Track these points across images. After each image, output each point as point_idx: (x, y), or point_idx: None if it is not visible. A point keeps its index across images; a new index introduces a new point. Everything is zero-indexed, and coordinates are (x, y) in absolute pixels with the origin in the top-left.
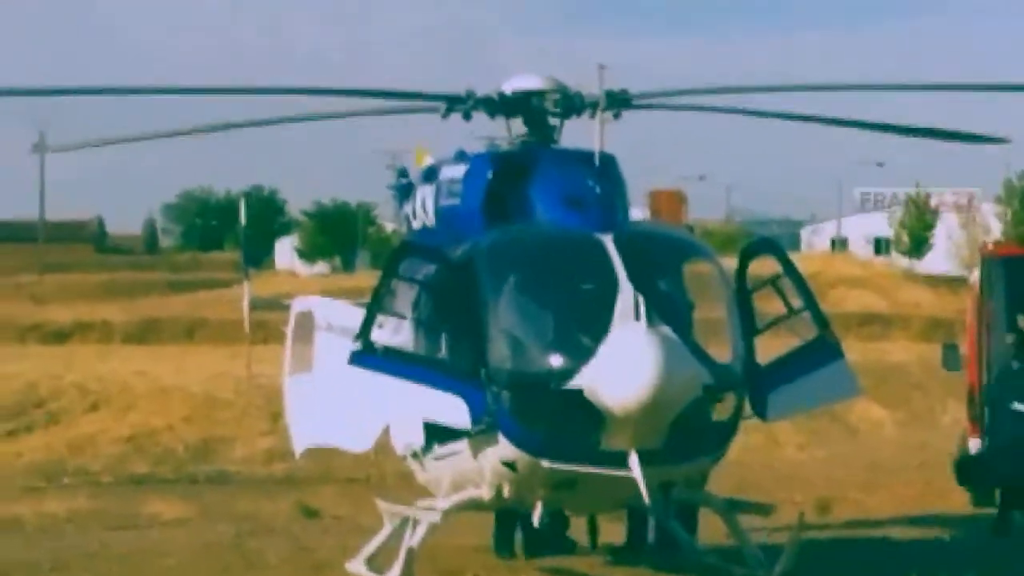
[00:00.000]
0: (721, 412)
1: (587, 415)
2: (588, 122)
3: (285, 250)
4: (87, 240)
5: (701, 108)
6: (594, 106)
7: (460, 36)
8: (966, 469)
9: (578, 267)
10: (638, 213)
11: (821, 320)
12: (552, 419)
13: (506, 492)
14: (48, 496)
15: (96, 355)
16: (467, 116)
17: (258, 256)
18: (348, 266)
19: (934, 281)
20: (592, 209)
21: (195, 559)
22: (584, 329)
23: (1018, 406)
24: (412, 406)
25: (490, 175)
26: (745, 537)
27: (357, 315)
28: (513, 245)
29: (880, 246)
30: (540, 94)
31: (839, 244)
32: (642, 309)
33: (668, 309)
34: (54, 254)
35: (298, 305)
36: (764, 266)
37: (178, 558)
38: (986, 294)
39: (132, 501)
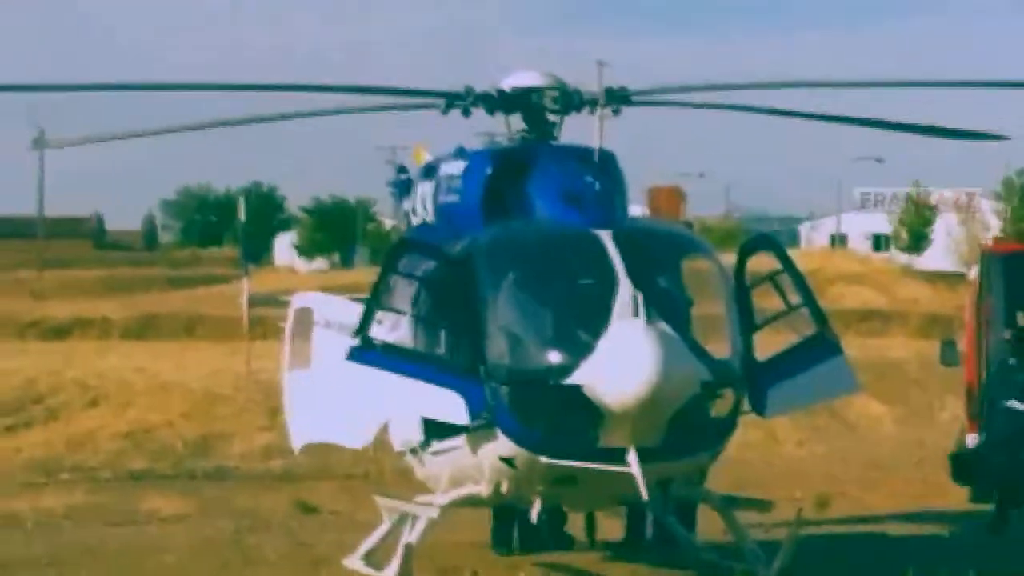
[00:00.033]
0: (719, 408)
1: (586, 411)
2: (587, 118)
3: (284, 246)
4: (86, 236)
5: (700, 105)
6: (593, 103)
7: (460, 36)
8: (960, 465)
9: (577, 263)
10: (637, 210)
11: (820, 316)
12: (551, 415)
13: (504, 488)
14: (47, 492)
15: (95, 351)
16: (466, 113)
17: (257, 252)
18: (347, 262)
19: (933, 277)
20: (591, 206)
21: (193, 555)
22: (583, 325)
23: (1013, 403)
24: (411, 402)
25: (489, 171)
26: (743, 533)
27: (356, 311)
28: (512, 241)
29: (879, 242)
30: (539, 91)
31: (838, 240)
32: (641, 305)
33: (667, 305)
34: (53, 250)
35: (297, 301)
36: (763, 262)
37: (177, 554)
38: (985, 290)
39: (131, 497)
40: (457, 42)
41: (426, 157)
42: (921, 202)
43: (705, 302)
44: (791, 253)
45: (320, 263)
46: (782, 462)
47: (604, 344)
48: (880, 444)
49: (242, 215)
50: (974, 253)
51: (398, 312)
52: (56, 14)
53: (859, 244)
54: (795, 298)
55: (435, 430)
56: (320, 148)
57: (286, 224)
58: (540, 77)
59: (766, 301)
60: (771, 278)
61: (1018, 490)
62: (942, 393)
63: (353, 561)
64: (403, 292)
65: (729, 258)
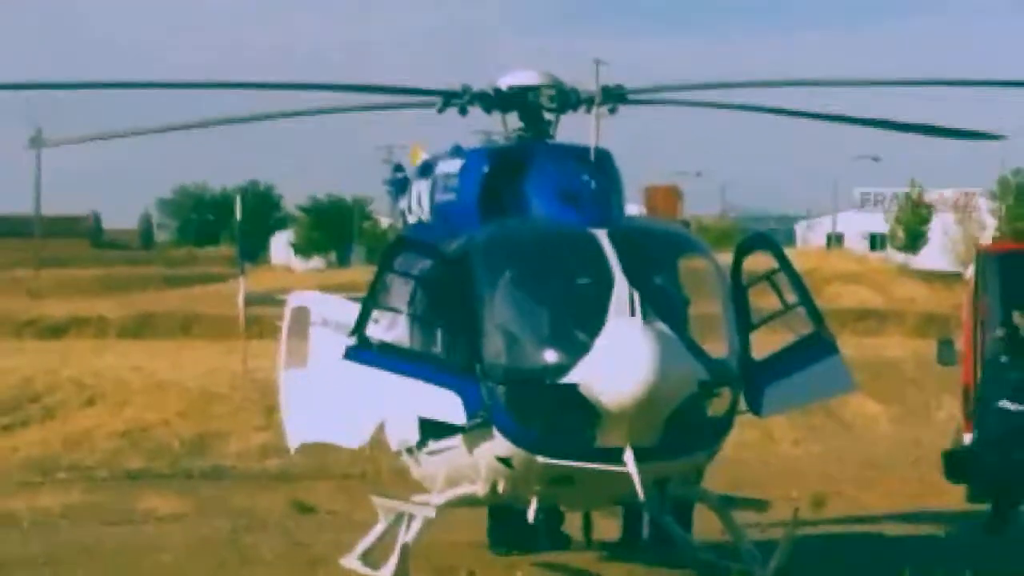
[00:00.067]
0: (716, 408)
1: (582, 411)
2: (584, 117)
3: (280, 245)
4: (83, 235)
5: (697, 104)
6: (590, 101)
7: (460, 36)
8: (953, 462)
9: (573, 263)
10: (634, 209)
11: (816, 316)
12: (547, 415)
13: (501, 488)
14: (43, 491)
15: (92, 350)
16: (463, 111)
17: (254, 251)
18: (343, 261)
19: (929, 277)
20: (587, 205)
21: (190, 554)
22: (579, 324)
23: (1004, 403)
24: (407, 401)
25: (486, 170)
26: (740, 533)
27: (352, 310)
28: (508, 240)
29: (876, 242)
30: (536, 89)
31: (835, 240)
32: (637, 305)
33: (663, 305)
34: (50, 249)
35: (293, 300)
36: (759, 262)
37: (173, 553)
38: (981, 290)
39: (127, 496)
40: (457, 42)
41: (422, 156)
42: (918, 201)
43: (701, 301)
44: (787, 252)
45: (316, 262)
46: (778, 461)
47: (600, 343)
48: (876, 443)
49: (239, 214)
50: (970, 252)
51: (395, 311)
52: (56, 14)
53: (856, 243)
54: (791, 297)
55: (432, 429)
56: (317, 147)
57: (283, 223)
58: (537, 76)
59: (763, 300)
60: (768, 277)
61: (1010, 489)
62: (938, 392)
63: (350, 561)
64: (400, 291)
65: (726, 257)
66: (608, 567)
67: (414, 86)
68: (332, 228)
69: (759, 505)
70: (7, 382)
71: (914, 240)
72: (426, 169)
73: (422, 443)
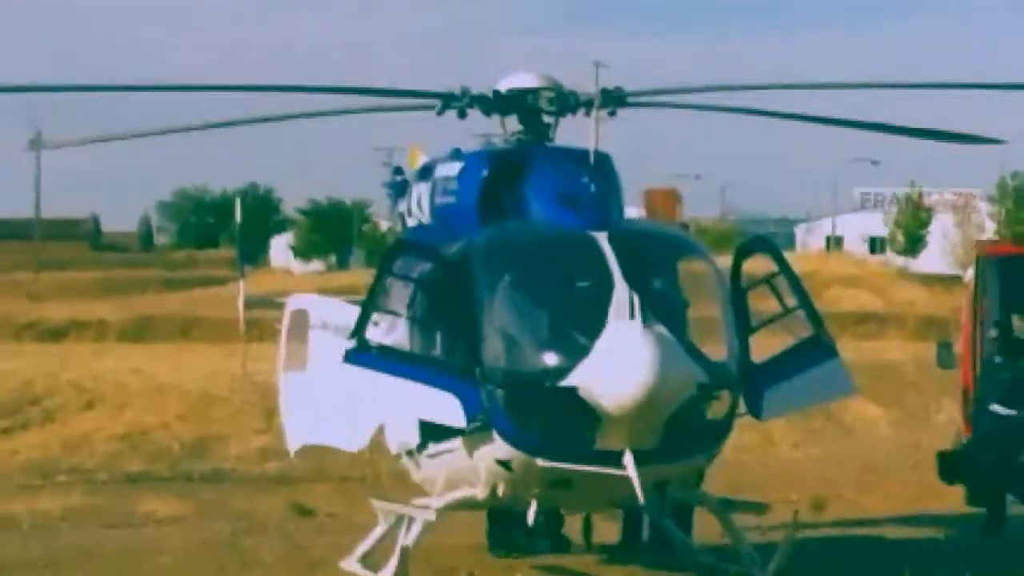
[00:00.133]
0: (715, 411)
1: (582, 414)
2: (583, 120)
3: (280, 248)
4: (83, 238)
5: (696, 107)
6: (589, 104)
7: (460, 36)
8: (947, 463)
9: (573, 265)
10: (633, 211)
11: (816, 319)
12: (547, 418)
13: (501, 491)
14: (43, 494)
15: (91, 353)
16: (462, 114)
17: (253, 254)
18: (343, 264)
19: (929, 280)
20: (587, 207)
21: (190, 557)
22: (579, 327)
23: (996, 408)
24: (407, 404)
25: (485, 173)
26: (740, 536)
27: (352, 313)
28: (508, 243)
29: (875, 245)
30: (535, 92)
31: (834, 243)
32: (637, 307)
33: (663, 307)
34: (50, 252)
35: (293, 303)
36: (759, 265)
37: (173, 556)
38: (980, 293)
39: (127, 499)
40: (457, 42)
41: (422, 159)
42: (917, 204)
43: (701, 304)
44: (787, 256)
45: (316, 265)
46: (778, 464)
47: (600, 346)
48: (876, 447)
49: (238, 216)
50: (970, 255)
51: (394, 314)
52: (56, 14)
53: (856, 246)
54: (791, 300)
55: (431, 432)
56: (317, 150)
57: (282, 226)
58: (536, 78)
59: (762, 303)
60: (767, 280)
61: (1004, 489)
62: (938, 396)
63: (349, 563)
64: (399, 294)
65: (725, 260)
66: (608, 570)
67: (413, 88)
68: (331, 231)
69: (759, 508)
70: (7, 385)
71: (913, 244)
72: (425, 172)
73: (422, 446)
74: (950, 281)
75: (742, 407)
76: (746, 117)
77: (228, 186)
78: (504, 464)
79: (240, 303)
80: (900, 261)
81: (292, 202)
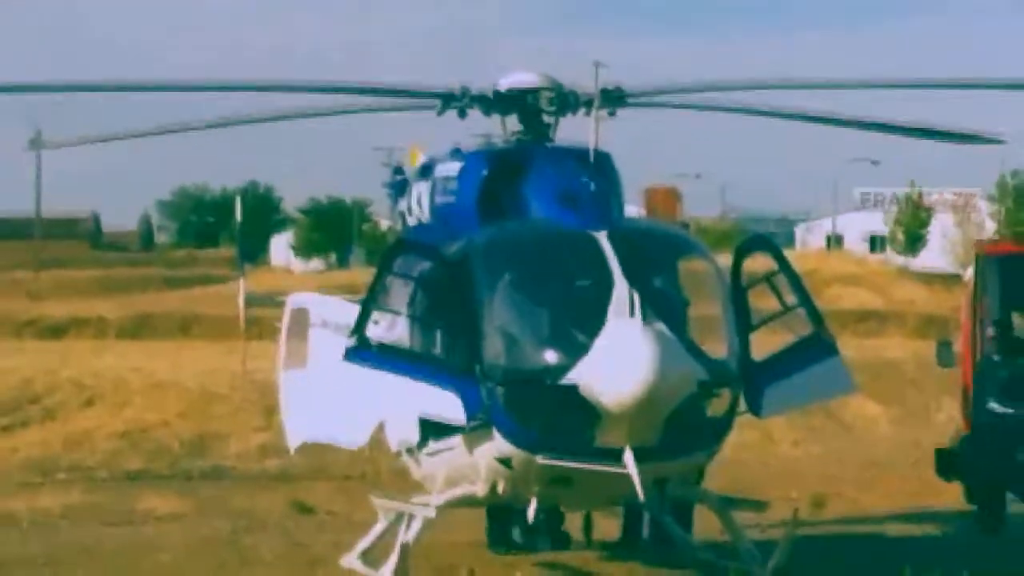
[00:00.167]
0: (715, 408)
1: (582, 411)
2: (583, 119)
3: (280, 247)
4: (83, 236)
5: (696, 106)
6: (589, 104)
7: (460, 36)
8: (944, 460)
9: (573, 264)
10: (633, 210)
11: (816, 317)
12: (547, 415)
13: (501, 488)
14: (43, 491)
15: (91, 351)
16: (462, 113)
17: (253, 252)
18: (343, 263)
19: (929, 278)
20: (587, 206)
21: (190, 555)
22: (579, 325)
23: (993, 405)
24: (407, 402)
25: (485, 172)
26: (740, 533)
27: (352, 311)
28: (508, 242)
29: (875, 243)
30: (535, 91)
31: (834, 241)
32: (637, 305)
33: (663, 305)
34: (50, 250)
35: (293, 301)
36: (759, 263)
37: (173, 554)
38: (980, 291)
39: (127, 497)
40: (457, 42)
41: (422, 158)
42: (917, 203)
43: (701, 303)
44: (787, 254)
45: (316, 263)
46: (778, 462)
47: (600, 344)
48: (876, 445)
49: (238, 215)
50: (970, 254)
51: (394, 312)
52: (56, 14)
53: (856, 245)
54: (791, 299)
55: (431, 430)
56: (317, 149)
57: (282, 224)
58: (536, 78)
59: (762, 302)
60: (767, 279)
61: (1000, 487)
62: (938, 394)
63: (349, 560)
64: (399, 293)
65: (725, 259)
66: (608, 567)
67: (413, 88)
68: (332, 230)
69: (759, 506)
70: (7, 383)
71: (913, 242)
72: (426, 171)
73: (422, 443)
74: (950, 280)
75: (742, 405)
76: (746, 117)
77: (228, 185)
78: (504, 461)
79: (240, 301)
80: (900, 260)
81: (292, 201)
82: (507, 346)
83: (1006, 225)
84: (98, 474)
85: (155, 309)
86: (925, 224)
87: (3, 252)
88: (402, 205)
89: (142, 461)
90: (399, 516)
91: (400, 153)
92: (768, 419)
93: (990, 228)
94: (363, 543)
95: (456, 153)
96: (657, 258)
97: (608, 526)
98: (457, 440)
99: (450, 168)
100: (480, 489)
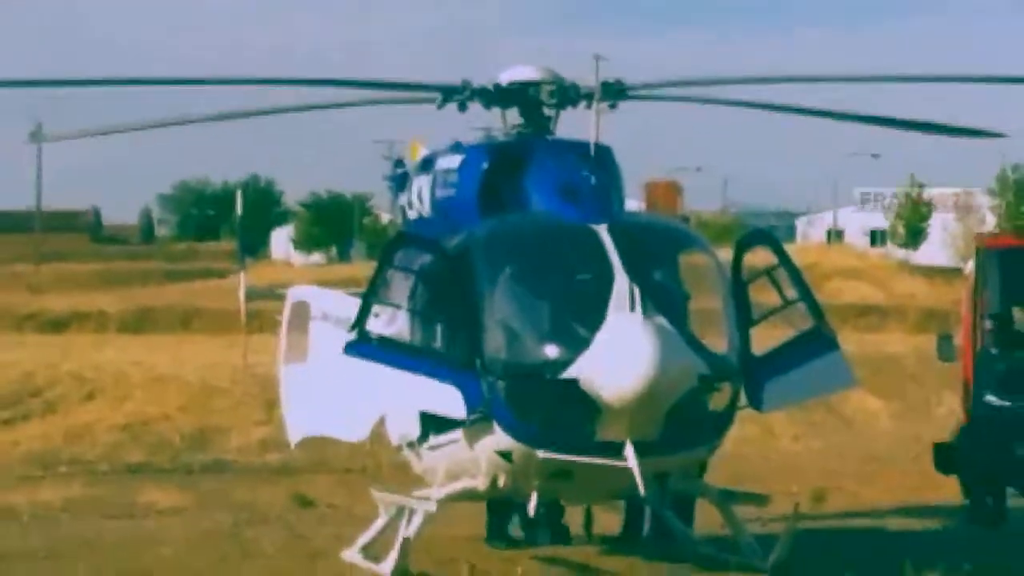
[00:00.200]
0: (716, 403)
1: (583, 405)
2: (584, 113)
3: (281, 240)
4: (83, 230)
5: (697, 100)
6: (590, 97)
7: (460, 36)
8: (942, 454)
9: (573, 257)
10: (634, 204)
11: (816, 311)
12: (548, 409)
13: (502, 482)
14: (44, 485)
15: (92, 344)
16: (463, 107)
17: (254, 246)
18: (343, 256)
19: (930, 272)
20: (587, 200)
21: (191, 548)
22: (579, 319)
23: (990, 398)
24: (408, 396)
25: (486, 166)
26: (741, 527)
27: (353, 305)
28: (508, 235)
29: (876, 238)
30: (536, 85)
31: (835, 236)
32: (637, 299)
33: (663, 299)
34: (50, 244)
35: (294, 295)
36: (760, 257)
37: (174, 547)
38: (981, 285)
39: (128, 490)
40: (457, 42)
41: (422, 152)
42: (917, 199)
43: (702, 297)
44: (788, 248)
45: (317, 257)
46: (779, 457)
47: (601, 338)
48: (877, 439)
49: (239, 209)
50: (970, 248)
51: (395, 306)
52: (56, 14)
53: (857, 239)
54: (792, 293)
55: (432, 424)
56: (318, 142)
57: (283, 218)
58: (537, 71)
59: (763, 296)
60: (768, 273)
61: (998, 481)
62: (939, 388)
63: (350, 554)
64: (400, 286)
65: (726, 253)
66: (609, 561)
67: (414, 81)
68: (332, 223)
69: (760, 500)
70: (8, 376)
71: (914, 236)
72: (426, 165)
73: (422, 437)
74: (951, 273)
75: (743, 399)
76: (747, 110)
77: (229, 178)
78: (505, 455)
79: (241, 295)
80: (901, 254)
81: (293, 195)
82: (508, 340)
83: (1007, 219)
84: (99, 467)
85: (156, 303)
86: (926, 218)
87: (4, 246)
88: (403, 199)
89: (143, 454)
90: (400, 510)
91: (401, 147)
92: (769, 413)
93: (991, 222)
94: (364, 537)
95: (457, 147)
96: (658, 252)
97: (609, 520)
98: (458, 434)
99: (451, 162)
100: (481, 483)
